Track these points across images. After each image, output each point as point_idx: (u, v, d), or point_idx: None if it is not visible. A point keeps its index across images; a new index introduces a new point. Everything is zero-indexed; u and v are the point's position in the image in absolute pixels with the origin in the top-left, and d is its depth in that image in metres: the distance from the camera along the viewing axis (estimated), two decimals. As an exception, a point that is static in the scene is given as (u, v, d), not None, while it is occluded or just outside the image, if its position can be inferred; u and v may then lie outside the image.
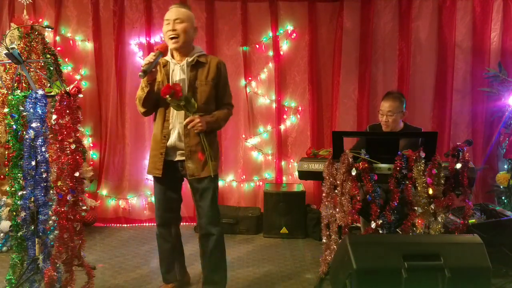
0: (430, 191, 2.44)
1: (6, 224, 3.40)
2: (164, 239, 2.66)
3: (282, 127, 4.31)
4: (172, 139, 2.46)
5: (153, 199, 4.19)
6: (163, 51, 2.35)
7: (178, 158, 2.49)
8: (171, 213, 2.64)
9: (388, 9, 4.16)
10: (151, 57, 2.29)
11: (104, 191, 4.22)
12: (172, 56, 2.49)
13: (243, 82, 4.24)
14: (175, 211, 2.67)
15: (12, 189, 2.62)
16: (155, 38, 4.13)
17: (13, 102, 2.55)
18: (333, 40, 4.20)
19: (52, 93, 2.32)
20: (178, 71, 2.46)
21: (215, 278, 2.59)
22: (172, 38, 2.38)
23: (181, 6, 2.46)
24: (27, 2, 3.73)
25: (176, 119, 2.45)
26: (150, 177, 2.68)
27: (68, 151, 2.22)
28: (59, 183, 2.23)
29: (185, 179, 2.61)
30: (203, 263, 2.60)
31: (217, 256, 2.57)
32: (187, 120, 2.37)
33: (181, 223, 2.79)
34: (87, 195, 4.04)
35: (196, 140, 2.44)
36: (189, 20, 2.41)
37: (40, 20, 4.03)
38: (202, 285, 2.64)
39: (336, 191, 2.59)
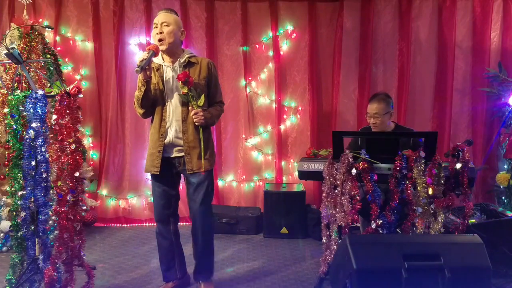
0: (430, 191, 2.43)
1: (6, 224, 3.40)
2: (163, 236, 2.73)
3: (282, 127, 4.31)
4: (170, 136, 2.56)
5: (153, 199, 4.20)
6: (154, 50, 2.44)
7: (175, 154, 2.60)
8: (169, 209, 2.71)
9: (388, 9, 4.16)
10: (144, 54, 2.41)
11: (104, 191, 4.22)
12: (163, 59, 2.60)
13: (243, 82, 4.24)
14: (173, 207, 2.74)
15: (12, 189, 2.63)
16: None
17: (13, 102, 2.56)
18: (333, 40, 4.20)
19: (52, 93, 2.32)
20: (171, 72, 2.57)
21: (206, 266, 2.76)
22: (159, 40, 2.50)
23: (168, 11, 2.57)
24: (27, 2, 3.73)
25: (173, 117, 2.56)
26: (150, 176, 2.74)
27: (68, 151, 2.23)
28: (59, 183, 2.24)
29: (182, 176, 2.72)
30: (195, 253, 2.76)
31: (206, 245, 2.72)
32: (194, 111, 2.49)
33: (181, 223, 2.82)
34: (87, 195, 4.04)
35: (194, 136, 2.55)
36: (176, 23, 2.54)
37: (40, 20, 4.04)
38: (193, 273, 2.80)
39: (336, 191, 2.59)
